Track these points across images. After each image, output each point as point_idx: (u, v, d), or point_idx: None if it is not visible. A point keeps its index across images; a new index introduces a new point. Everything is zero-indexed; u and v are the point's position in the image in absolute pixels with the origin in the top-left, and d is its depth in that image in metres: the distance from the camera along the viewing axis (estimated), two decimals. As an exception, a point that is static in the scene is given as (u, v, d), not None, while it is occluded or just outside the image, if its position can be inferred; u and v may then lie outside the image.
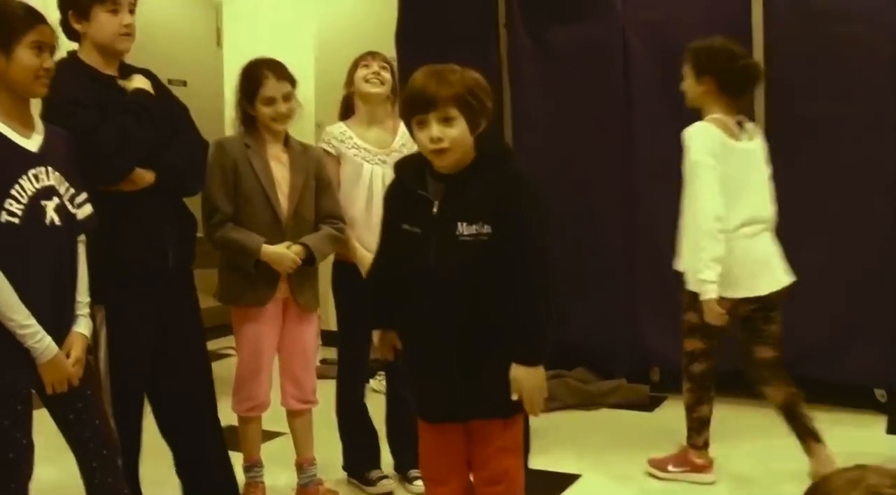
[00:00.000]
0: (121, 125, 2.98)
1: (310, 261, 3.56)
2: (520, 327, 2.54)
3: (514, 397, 2.55)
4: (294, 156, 3.63)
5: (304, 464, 3.78)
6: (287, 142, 3.66)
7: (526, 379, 2.54)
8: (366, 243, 3.69)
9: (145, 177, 3.07)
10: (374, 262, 2.93)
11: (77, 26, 3.08)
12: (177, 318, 3.28)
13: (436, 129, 2.51)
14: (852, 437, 4.39)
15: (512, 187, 2.57)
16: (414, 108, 2.55)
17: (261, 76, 3.56)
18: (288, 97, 3.59)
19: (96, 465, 2.76)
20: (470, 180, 2.57)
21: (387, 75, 3.82)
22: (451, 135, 2.51)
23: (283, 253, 3.50)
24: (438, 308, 2.56)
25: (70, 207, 2.71)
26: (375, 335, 2.85)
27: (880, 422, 4.68)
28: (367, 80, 3.79)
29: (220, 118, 6.07)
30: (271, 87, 3.55)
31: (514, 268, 2.52)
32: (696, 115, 3.91)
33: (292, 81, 3.62)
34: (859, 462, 1.26)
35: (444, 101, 2.50)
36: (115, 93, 3.10)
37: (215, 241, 3.54)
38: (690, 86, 3.88)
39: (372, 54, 3.85)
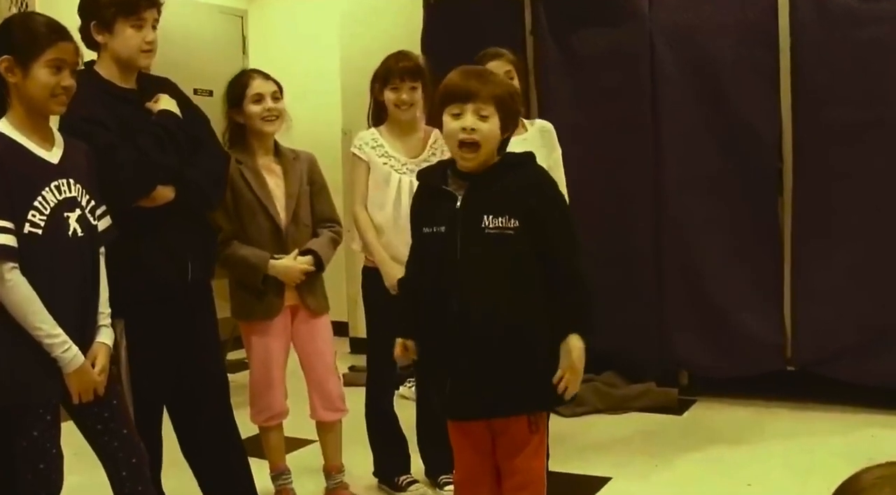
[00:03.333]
0: (139, 148, 2.95)
1: (318, 267, 3.58)
2: (571, 301, 2.59)
3: (561, 372, 2.57)
4: (286, 164, 3.65)
5: (331, 471, 3.80)
6: (277, 151, 3.67)
7: (578, 350, 2.57)
8: (393, 250, 3.69)
9: (165, 194, 3.05)
10: (405, 271, 2.96)
11: (98, 37, 3.05)
12: (194, 332, 3.27)
13: (470, 120, 2.56)
14: (881, 437, 4.40)
15: (541, 183, 2.65)
16: (452, 98, 2.61)
17: (247, 78, 3.63)
18: (276, 97, 3.61)
19: (125, 474, 2.78)
20: (494, 178, 2.62)
21: (416, 96, 3.75)
22: (484, 129, 2.56)
23: (290, 265, 3.53)
24: (466, 304, 2.57)
25: (91, 219, 2.72)
26: (397, 344, 2.85)
27: (910, 424, 4.65)
28: (396, 106, 3.75)
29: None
30: (258, 85, 3.60)
31: (554, 256, 2.57)
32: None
33: (279, 85, 3.67)
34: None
35: (485, 97, 2.56)
36: (132, 108, 3.07)
37: (222, 261, 3.55)
38: None
39: (400, 75, 3.71)
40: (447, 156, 2.96)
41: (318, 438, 3.85)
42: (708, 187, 5.06)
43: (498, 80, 2.65)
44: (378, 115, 3.87)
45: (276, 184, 3.61)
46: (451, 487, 3.23)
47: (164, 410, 3.32)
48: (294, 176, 3.63)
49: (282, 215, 3.58)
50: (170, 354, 3.18)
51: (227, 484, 3.42)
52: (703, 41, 5.01)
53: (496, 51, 3.83)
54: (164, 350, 3.16)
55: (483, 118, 2.56)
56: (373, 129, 3.84)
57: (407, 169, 3.75)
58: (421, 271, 2.75)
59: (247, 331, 3.65)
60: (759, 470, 4.01)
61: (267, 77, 3.65)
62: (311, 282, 3.63)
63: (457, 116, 2.58)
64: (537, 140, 3.71)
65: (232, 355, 5.73)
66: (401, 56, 3.80)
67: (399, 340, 2.84)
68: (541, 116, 5.30)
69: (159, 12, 3.10)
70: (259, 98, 3.58)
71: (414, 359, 2.85)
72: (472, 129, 2.56)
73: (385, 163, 3.76)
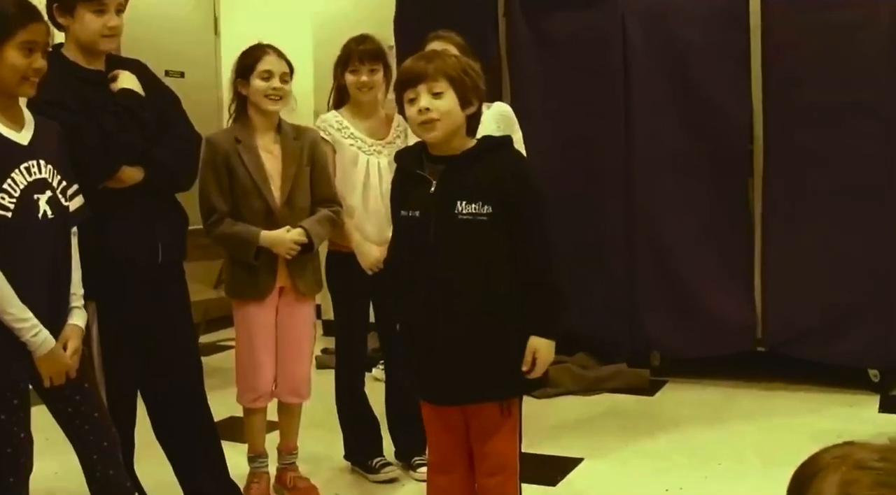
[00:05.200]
0: (101, 128, 2.92)
1: (308, 245, 3.56)
2: (538, 301, 2.61)
3: (526, 367, 2.59)
4: (286, 143, 3.61)
5: (283, 451, 3.79)
6: (279, 128, 3.64)
7: (545, 350, 2.60)
8: (366, 232, 3.73)
9: (133, 175, 3.03)
10: (388, 253, 2.98)
11: (60, 20, 3.01)
12: (166, 315, 3.25)
13: (424, 100, 2.56)
14: (847, 416, 4.46)
15: (515, 169, 2.64)
16: (405, 84, 2.62)
17: (261, 52, 3.57)
18: (285, 78, 3.58)
19: (97, 458, 2.77)
20: (469, 163, 2.62)
21: (377, 78, 3.80)
22: (440, 106, 2.56)
23: (282, 234, 3.50)
24: (440, 289, 2.59)
25: (63, 200, 2.70)
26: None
27: (873, 402, 4.71)
28: (357, 88, 3.79)
29: (219, 108, 6.09)
30: (270, 61, 3.55)
31: (524, 245, 2.58)
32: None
33: (291, 68, 3.63)
34: (854, 440, 1.28)
35: (434, 75, 2.57)
36: (100, 89, 3.03)
37: (215, 239, 3.55)
38: None
39: (360, 57, 3.76)
40: (413, 139, 2.96)
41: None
42: (678, 169, 5.09)
43: (447, 58, 2.64)
44: (340, 99, 3.89)
45: (272, 165, 3.56)
46: (425, 469, 3.24)
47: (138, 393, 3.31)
48: (292, 156, 3.59)
49: (276, 196, 3.55)
50: (141, 336, 3.16)
51: (200, 466, 3.41)
52: (674, 24, 5.04)
53: (438, 33, 3.85)
54: (135, 331, 3.14)
55: (437, 95, 2.56)
56: (334, 112, 3.86)
57: (374, 150, 3.78)
58: (399, 254, 2.76)
59: (237, 310, 3.64)
60: (730, 450, 4.05)
61: (281, 55, 3.59)
62: (303, 262, 3.60)
63: (412, 101, 2.59)
64: (491, 124, 3.68)
65: (205, 338, 5.73)
66: (361, 39, 3.83)
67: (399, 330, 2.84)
68: (513, 98, 5.32)
69: None
70: (268, 75, 3.53)
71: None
72: (427, 109, 2.56)
73: (352, 145, 3.78)
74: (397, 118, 3.84)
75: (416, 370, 2.73)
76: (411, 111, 2.60)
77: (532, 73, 5.40)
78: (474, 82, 2.63)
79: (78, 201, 2.78)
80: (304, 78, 6.51)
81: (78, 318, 2.75)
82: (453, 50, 3.54)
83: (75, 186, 2.78)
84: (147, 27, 6.09)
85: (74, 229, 2.78)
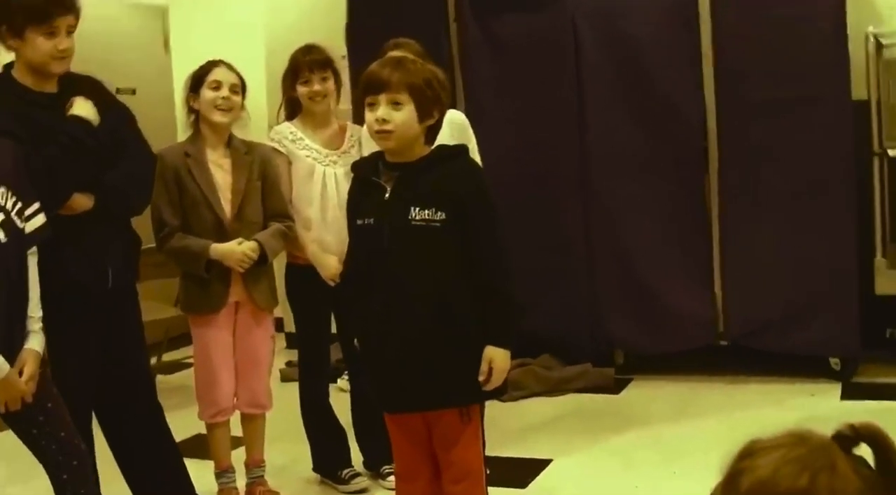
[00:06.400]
0: (48, 159, 2.86)
1: (262, 259, 3.55)
2: (492, 311, 2.61)
3: (482, 377, 2.59)
4: (237, 157, 3.61)
5: (250, 465, 3.78)
6: (230, 143, 3.64)
7: (501, 359, 2.60)
8: (326, 244, 3.72)
9: (83, 202, 2.99)
10: (345, 264, 2.97)
11: (10, 43, 2.94)
12: (119, 339, 3.22)
13: (382, 110, 2.55)
14: (810, 405, 4.51)
15: (468, 178, 2.65)
16: (367, 89, 2.61)
17: (211, 65, 3.59)
18: (235, 89, 3.58)
19: (66, 477, 2.74)
20: (424, 170, 2.62)
21: (329, 86, 3.80)
22: (397, 118, 2.56)
23: (233, 247, 3.49)
24: (394, 295, 2.59)
25: (18, 222, 2.65)
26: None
27: (836, 389, 4.76)
28: (310, 99, 3.78)
29: (171, 125, 6.02)
30: (219, 73, 3.57)
31: (477, 255, 2.58)
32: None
33: (243, 82, 3.63)
34: (817, 427, 1.28)
35: (397, 86, 2.55)
36: (50, 113, 2.98)
37: (166, 253, 3.55)
38: None
39: (310, 67, 3.76)
40: (370, 148, 2.96)
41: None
42: (634, 168, 5.12)
43: (414, 68, 2.62)
44: (292, 111, 3.88)
45: (222, 179, 3.57)
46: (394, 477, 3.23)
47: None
48: (242, 170, 3.59)
49: (226, 209, 3.54)
50: (92, 360, 3.12)
51: (163, 488, 3.38)
52: (625, 24, 5.06)
53: (397, 41, 3.86)
54: (86, 356, 3.10)
55: (396, 106, 2.55)
56: (287, 123, 3.85)
57: (329, 161, 3.77)
58: (356, 264, 2.75)
59: (194, 326, 3.63)
60: (697, 444, 4.07)
61: (231, 68, 3.61)
62: (257, 276, 3.59)
63: (372, 107, 2.59)
64: (444, 131, 3.67)
65: (167, 356, 5.68)
66: (308, 50, 3.83)
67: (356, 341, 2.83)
68: (466, 102, 5.33)
69: (77, 17, 2.98)
70: (217, 85, 3.54)
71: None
72: (384, 120, 2.55)
73: (307, 156, 3.77)
74: (351, 128, 3.87)
75: (374, 377, 2.73)
76: (369, 117, 2.59)
77: (484, 77, 5.41)
78: (436, 94, 2.62)
79: (37, 221, 2.74)
80: (258, 91, 6.48)
81: (35, 343, 2.71)
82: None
83: (35, 206, 2.72)
84: (97, 44, 6.02)
85: (34, 249, 2.74)
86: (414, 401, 2.66)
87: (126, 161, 3.14)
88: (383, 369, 2.66)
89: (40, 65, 2.97)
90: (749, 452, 1.23)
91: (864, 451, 1.23)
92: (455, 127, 3.80)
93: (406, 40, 3.84)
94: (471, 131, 3.86)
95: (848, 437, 1.21)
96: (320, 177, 3.76)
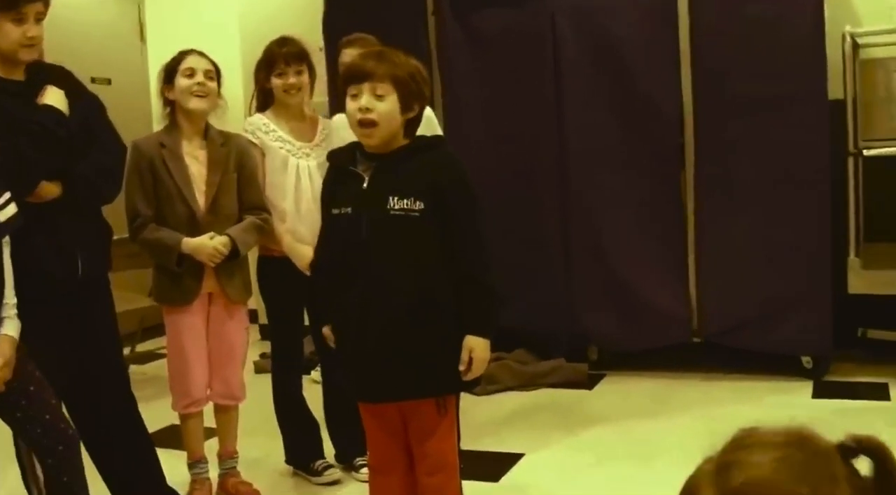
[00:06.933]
0: (17, 148, 2.85)
1: (234, 253, 3.54)
2: (472, 300, 2.61)
3: (463, 367, 2.60)
4: (213, 149, 3.59)
5: (223, 456, 3.78)
6: (206, 134, 3.62)
7: (482, 349, 2.61)
8: (300, 236, 3.71)
9: (51, 189, 2.97)
10: (315, 254, 2.94)
11: None
12: (90, 328, 3.21)
13: (365, 99, 2.56)
14: (782, 403, 4.53)
15: (448, 167, 2.65)
16: (350, 79, 2.61)
17: (182, 54, 3.58)
18: (210, 75, 3.56)
19: (51, 462, 2.75)
20: (402, 159, 2.62)
21: (304, 79, 3.79)
22: (380, 108, 2.56)
23: (204, 241, 3.48)
24: (373, 285, 2.58)
25: None
26: (326, 329, 2.82)
27: (807, 388, 4.79)
28: (285, 91, 3.77)
29: (147, 115, 6.01)
30: (192, 60, 3.55)
31: (457, 244, 2.59)
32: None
33: (217, 68, 3.61)
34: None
35: (381, 76, 2.56)
36: (19, 100, 2.96)
37: (139, 244, 3.54)
38: None
39: (285, 60, 3.75)
40: (345, 140, 2.95)
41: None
42: (612, 164, 5.13)
43: (398, 60, 2.62)
44: (264, 102, 3.87)
45: (197, 171, 3.55)
46: (367, 470, 3.23)
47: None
48: (218, 162, 3.57)
49: (199, 202, 3.53)
50: (62, 351, 3.09)
51: (136, 478, 3.37)
52: (604, 20, 5.07)
53: (356, 36, 3.84)
54: (56, 346, 3.06)
55: (379, 97, 2.56)
56: (259, 115, 3.83)
57: (302, 153, 3.77)
58: (330, 254, 2.75)
59: (167, 316, 3.62)
60: (670, 440, 4.09)
61: (203, 55, 3.60)
62: (230, 269, 3.58)
63: (354, 97, 2.59)
64: None
65: (141, 346, 5.66)
66: (283, 42, 3.82)
67: (325, 329, 2.82)
68: (444, 97, 5.34)
69: (46, 5, 2.97)
70: (191, 72, 3.52)
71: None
72: (367, 109, 2.56)
73: (281, 148, 3.77)
74: (322, 121, 3.88)
75: (351, 368, 2.72)
76: (351, 107, 2.59)
77: (463, 71, 5.41)
78: (419, 88, 2.64)
79: (9, 210, 2.72)
80: (234, 82, 6.47)
81: (10, 328, 2.70)
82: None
83: (6, 195, 2.71)
84: (71, 34, 6.00)
85: (7, 239, 2.72)
86: (392, 391, 2.65)
87: (96, 151, 3.13)
88: (361, 359, 2.65)
89: (9, 52, 2.95)
90: (743, 444, 1.22)
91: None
92: (424, 120, 3.81)
93: (363, 35, 3.84)
94: (436, 122, 3.86)
95: (850, 448, 1.21)
96: (294, 169, 3.75)
